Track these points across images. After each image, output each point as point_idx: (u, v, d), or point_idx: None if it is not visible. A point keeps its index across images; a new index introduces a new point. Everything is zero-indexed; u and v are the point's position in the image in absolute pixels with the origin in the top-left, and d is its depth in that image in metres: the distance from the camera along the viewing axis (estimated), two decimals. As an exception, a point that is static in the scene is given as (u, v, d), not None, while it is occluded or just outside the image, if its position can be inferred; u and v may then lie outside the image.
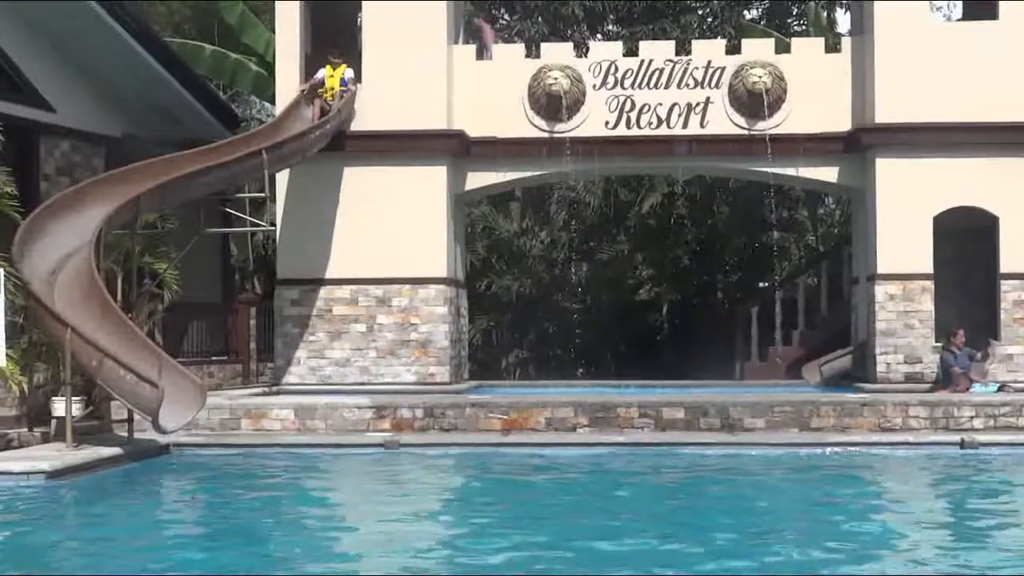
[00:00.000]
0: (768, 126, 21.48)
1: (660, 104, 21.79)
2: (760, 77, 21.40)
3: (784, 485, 13.73)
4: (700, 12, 33.70)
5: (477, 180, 22.29)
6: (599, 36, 33.01)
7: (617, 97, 21.85)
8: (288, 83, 21.49)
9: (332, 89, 20.87)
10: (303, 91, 20.87)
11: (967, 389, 19.09)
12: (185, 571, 8.88)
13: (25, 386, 15.68)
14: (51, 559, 9.55)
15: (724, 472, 14.25)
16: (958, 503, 12.24)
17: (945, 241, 20.75)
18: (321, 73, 20.91)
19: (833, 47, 22.53)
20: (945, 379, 19.69)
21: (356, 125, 21.23)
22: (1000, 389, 19.20)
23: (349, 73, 21.03)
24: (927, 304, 20.74)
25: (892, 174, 20.86)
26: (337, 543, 10.13)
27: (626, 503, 12.20)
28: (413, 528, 10.78)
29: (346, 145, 21.10)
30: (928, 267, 20.70)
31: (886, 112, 20.81)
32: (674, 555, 9.26)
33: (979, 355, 20.06)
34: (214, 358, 23.44)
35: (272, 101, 23.88)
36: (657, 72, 21.86)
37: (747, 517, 11.32)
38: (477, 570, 8.94)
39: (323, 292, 21.37)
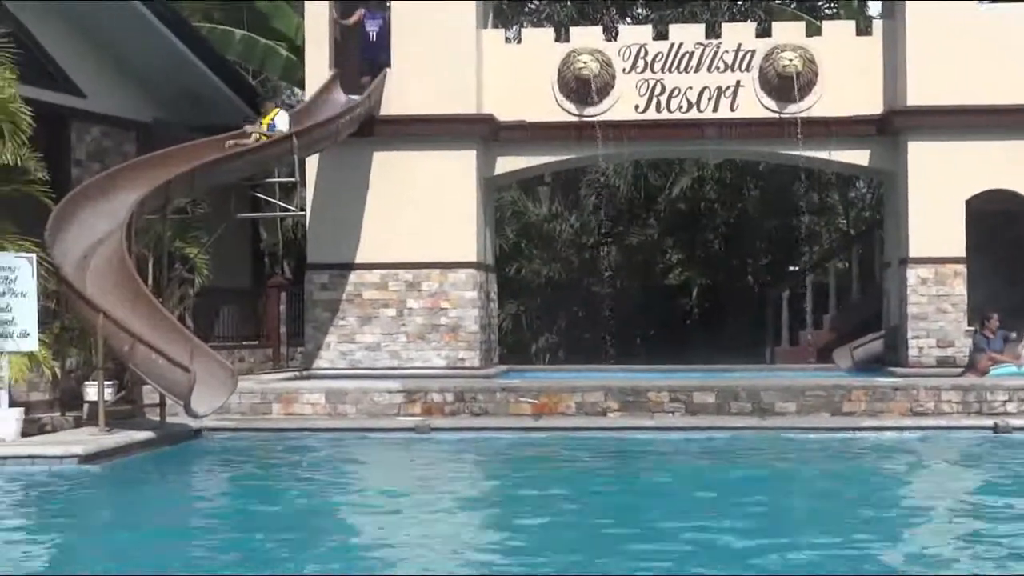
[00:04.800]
0: (799, 109, 21.39)
1: (690, 88, 21.72)
2: (791, 60, 21.30)
3: (816, 470, 13.65)
4: (730, -5, 33.51)
5: (507, 164, 22.26)
6: (628, 20, 32.88)
7: (647, 81, 21.79)
8: (317, 68, 21.48)
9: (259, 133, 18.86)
10: (231, 144, 18.42)
11: (987, 370, 18.99)
12: (216, 556, 8.89)
13: (57, 371, 15.76)
14: (84, 542, 9.60)
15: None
16: (991, 488, 12.15)
17: (978, 224, 20.61)
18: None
19: (864, 30, 22.40)
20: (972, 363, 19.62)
21: (385, 110, 21.24)
22: None
23: (283, 119, 19.10)
24: (959, 288, 20.63)
25: (924, 157, 20.74)
26: (368, 527, 10.13)
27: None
28: (444, 512, 10.78)
29: (376, 130, 21.11)
30: (961, 250, 20.59)
31: (918, 95, 20.69)
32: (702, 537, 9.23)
33: (1014, 335, 19.93)
34: (244, 343, 23.51)
35: (302, 86, 23.89)
36: (687, 55, 21.78)
37: (778, 502, 11.29)
38: (508, 553, 8.93)
39: (353, 277, 21.42)
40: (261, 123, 19.16)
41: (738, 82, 21.66)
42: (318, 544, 9.38)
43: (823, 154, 21.73)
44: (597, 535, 9.49)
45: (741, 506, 10.74)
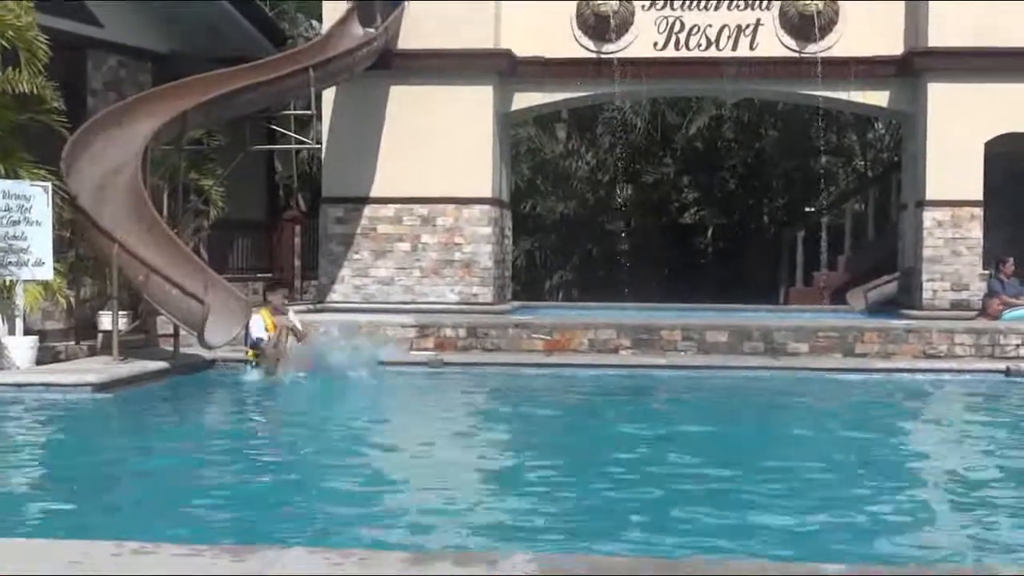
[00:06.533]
0: (819, 49, 21.22)
1: (709, 25, 21.55)
2: (812, -1, 21.14)
3: (825, 410, 13.68)
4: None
5: (523, 100, 22.16)
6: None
7: (666, 18, 21.63)
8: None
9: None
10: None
11: (998, 314, 18.96)
12: (228, 484, 8.95)
13: (72, 300, 15.82)
14: (97, 470, 9.65)
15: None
16: (1001, 431, 12.16)
17: (996, 167, 20.50)
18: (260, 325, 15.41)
19: (886, -31, 22.17)
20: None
21: (403, 43, 21.13)
22: None
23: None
24: (975, 231, 20.55)
25: (944, 98, 20.60)
26: (376, 459, 10.18)
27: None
28: (449, 445, 10.84)
29: (393, 63, 21.01)
30: (978, 194, 20.49)
31: (939, 35, 20.50)
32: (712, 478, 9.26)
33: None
34: (259, 275, 23.55)
35: (319, 18, 23.78)
36: (707, -8, 21.63)
37: (782, 444, 11.32)
38: (509, 484, 8.98)
39: (368, 211, 21.41)
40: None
41: (758, 20, 21.48)
42: (329, 470, 9.43)
43: (842, 95, 21.57)
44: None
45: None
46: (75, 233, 15.81)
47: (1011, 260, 19.71)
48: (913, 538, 7.42)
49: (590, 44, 21.63)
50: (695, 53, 21.60)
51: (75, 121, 16.33)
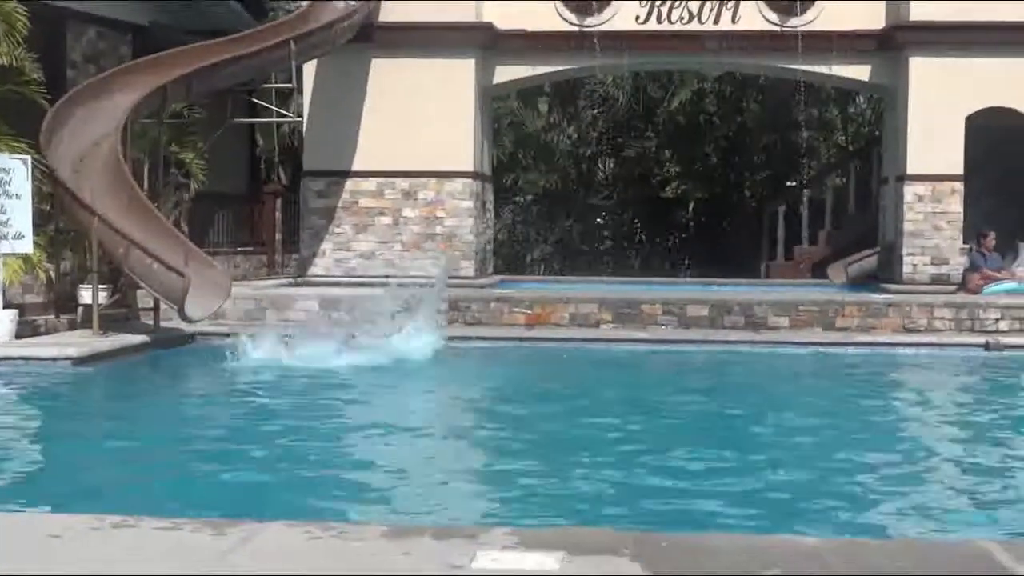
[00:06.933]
0: (800, 23, 21.19)
1: (692, -1, 21.52)
2: (794, -28, 21.10)
3: (806, 384, 13.73)
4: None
5: (505, 74, 22.10)
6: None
7: (648, -10, 21.59)
8: (316, -28, 21.26)
9: None
10: None
11: (978, 289, 19.00)
12: (207, 459, 8.95)
13: (52, 274, 15.78)
14: (76, 442, 9.65)
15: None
16: (980, 405, 12.22)
17: (976, 142, 20.53)
18: None
19: (868, -58, 22.13)
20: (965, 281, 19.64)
21: (384, 16, 21.05)
22: None
23: None
24: (956, 206, 20.59)
25: (925, 73, 20.60)
26: (356, 433, 10.20)
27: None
28: (427, 421, 10.87)
29: (374, 36, 20.94)
30: (959, 168, 20.51)
31: (921, 10, 20.48)
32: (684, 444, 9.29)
33: (1009, 256, 19.96)
34: (240, 249, 23.51)
35: (300, -9, 23.71)
36: (689, -34, 21.57)
37: (765, 416, 11.36)
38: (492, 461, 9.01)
39: (349, 184, 21.36)
40: None
41: (740, -6, 21.47)
42: (308, 443, 9.44)
43: (823, 68, 21.55)
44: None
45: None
46: (55, 206, 15.75)
47: (992, 234, 19.74)
48: (890, 511, 7.47)
49: (572, 17, 21.56)
50: (677, 27, 21.54)
51: (55, 93, 16.27)
